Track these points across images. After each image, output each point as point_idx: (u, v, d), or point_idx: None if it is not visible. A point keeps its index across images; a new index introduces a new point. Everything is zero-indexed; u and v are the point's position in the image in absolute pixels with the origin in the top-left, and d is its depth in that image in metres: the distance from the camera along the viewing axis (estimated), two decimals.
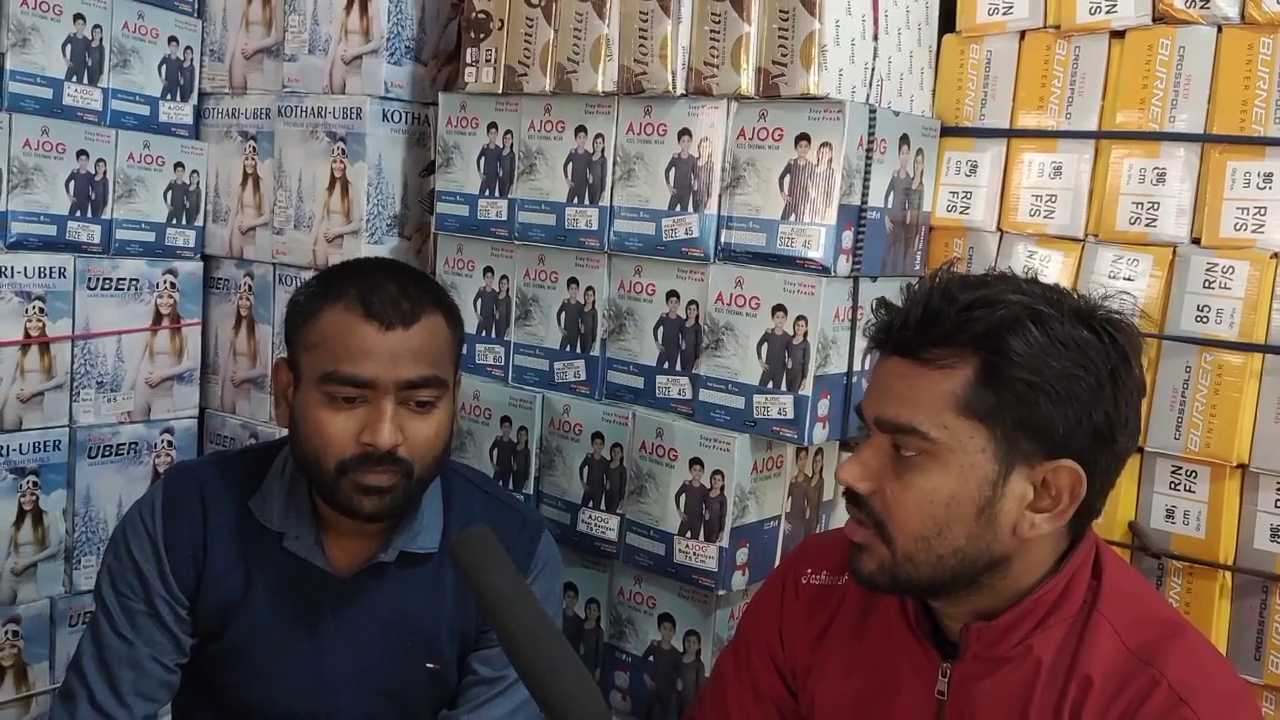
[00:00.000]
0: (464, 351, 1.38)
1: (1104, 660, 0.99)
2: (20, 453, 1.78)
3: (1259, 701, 1.38)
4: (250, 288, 1.98)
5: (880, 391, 1.02)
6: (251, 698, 1.32)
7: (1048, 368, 0.95)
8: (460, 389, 1.37)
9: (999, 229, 1.57)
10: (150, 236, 1.94)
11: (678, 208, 1.52)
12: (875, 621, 1.14)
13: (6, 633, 1.77)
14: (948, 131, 1.62)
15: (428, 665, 1.34)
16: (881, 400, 1.01)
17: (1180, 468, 1.41)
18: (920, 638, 1.09)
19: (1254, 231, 1.38)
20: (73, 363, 1.83)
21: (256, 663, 1.31)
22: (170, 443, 1.98)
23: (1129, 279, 1.44)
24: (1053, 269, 1.50)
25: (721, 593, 1.50)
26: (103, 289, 1.87)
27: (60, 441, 1.83)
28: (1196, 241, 1.43)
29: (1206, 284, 1.39)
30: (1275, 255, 1.37)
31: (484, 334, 1.76)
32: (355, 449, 1.23)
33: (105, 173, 1.86)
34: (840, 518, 1.66)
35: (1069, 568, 1.02)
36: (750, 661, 1.23)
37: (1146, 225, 1.45)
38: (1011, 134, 1.56)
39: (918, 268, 1.60)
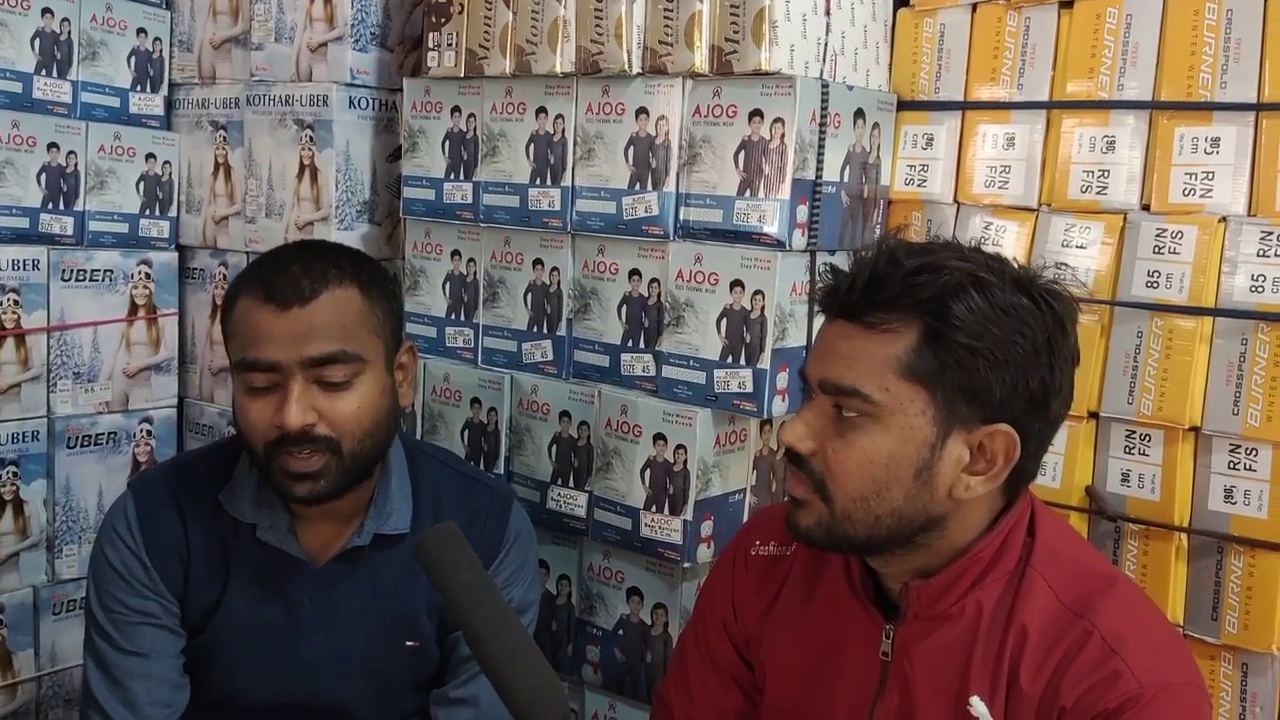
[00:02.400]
0: (400, 322, 1.36)
1: (1039, 614, 1.02)
2: None
3: (1215, 660, 1.40)
4: (225, 277, 2.00)
5: (824, 354, 1.04)
6: (233, 686, 1.35)
7: (988, 333, 0.98)
8: (406, 358, 1.35)
9: (956, 201, 1.59)
10: (124, 228, 1.96)
11: (637, 186, 1.54)
12: (821, 589, 1.16)
13: None
14: (904, 105, 1.63)
15: (407, 644, 1.36)
16: (825, 362, 1.03)
17: (1134, 432, 1.43)
18: (864, 600, 1.11)
19: (1202, 196, 1.39)
20: (49, 354, 1.85)
21: (237, 653, 1.33)
22: (150, 432, 2.00)
23: (1081, 247, 1.45)
24: (1008, 239, 1.51)
25: (687, 565, 1.52)
26: (77, 280, 1.88)
27: (39, 432, 1.85)
28: (1146, 208, 1.44)
29: (1156, 249, 1.40)
30: (1223, 219, 1.39)
31: (453, 317, 1.78)
32: (274, 433, 1.23)
33: (77, 165, 1.88)
34: None
35: (1003, 526, 1.05)
36: (707, 635, 1.25)
37: (1098, 193, 1.47)
38: (966, 106, 1.57)
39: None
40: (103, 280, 1.92)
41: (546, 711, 0.96)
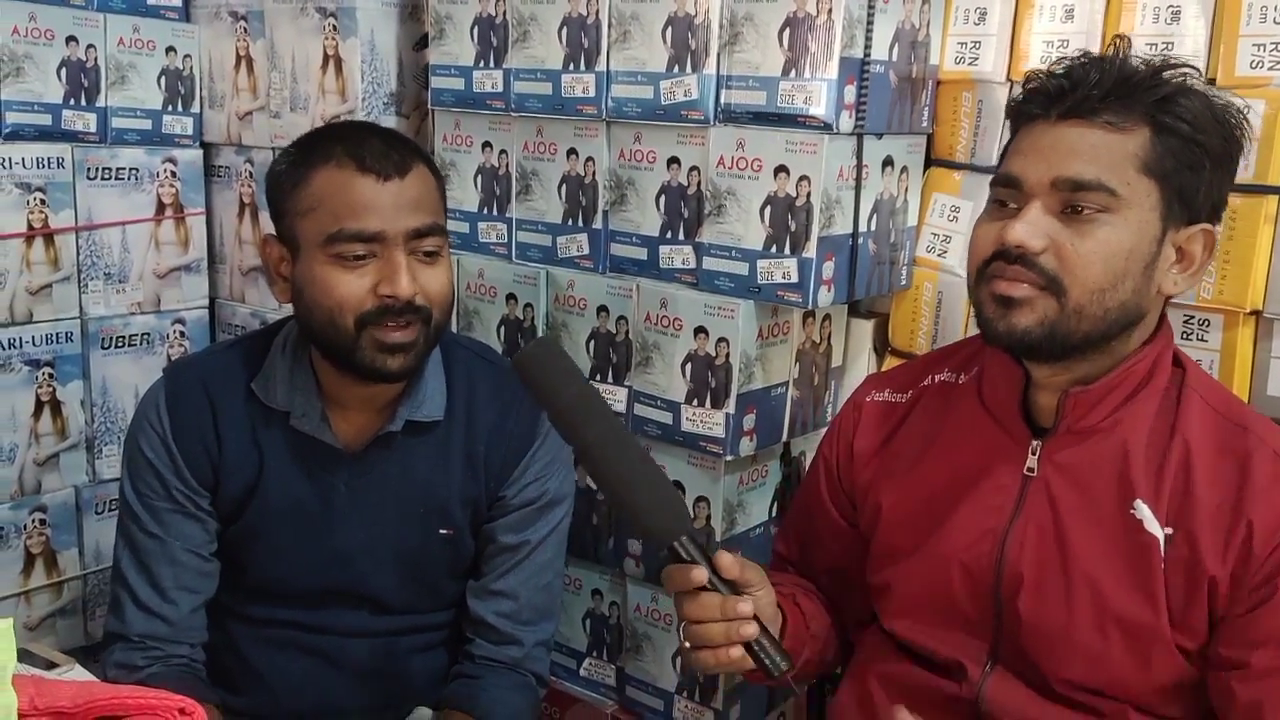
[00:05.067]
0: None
1: (1201, 426, 1.08)
2: (34, 345, 1.79)
3: None
4: (251, 174, 1.96)
5: (1054, 153, 1.05)
6: (271, 574, 1.35)
7: (1210, 134, 1.04)
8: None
9: (1009, 79, 1.51)
10: (147, 124, 1.92)
11: (675, 69, 1.48)
12: (949, 425, 1.20)
13: (34, 521, 1.82)
14: None
15: (441, 531, 1.36)
16: (1059, 160, 1.04)
17: (1192, 317, 1.38)
18: (1010, 418, 1.14)
19: (1271, 68, 1.32)
20: (78, 254, 1.83)
21: (274, 540, 1.34)
22: (182, 333, 1.99)
23: None
24: None
25: (729, 458, 1.50)
26: (103, 179, 1.85)
27: (72, 333, 1.84)
28: (1212, 82, 1.37)
29: None
30: None
31: (485, 211, 1.74)
32: (374, 302, 1.22)
33: (96, 59, 1.83)
34: (850, 384, 1.66)
35: (1158, 342, 1.10)
36: (818, 484, 1.31)
37: None
38: None
39: (924, 124, 1.56)
40: (128, 179, 1.89)
41: (670, 529, 0.99)
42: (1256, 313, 1.35)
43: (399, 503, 1.34)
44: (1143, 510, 1.06)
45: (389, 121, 1.82)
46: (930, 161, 1.59)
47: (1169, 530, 1.06)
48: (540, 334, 1.67)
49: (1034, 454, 1.12)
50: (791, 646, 1.17)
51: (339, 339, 1.24)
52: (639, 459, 1.02)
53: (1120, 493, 1.08)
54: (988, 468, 1.15)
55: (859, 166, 1.45)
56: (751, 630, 1.04)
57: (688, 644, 1.07)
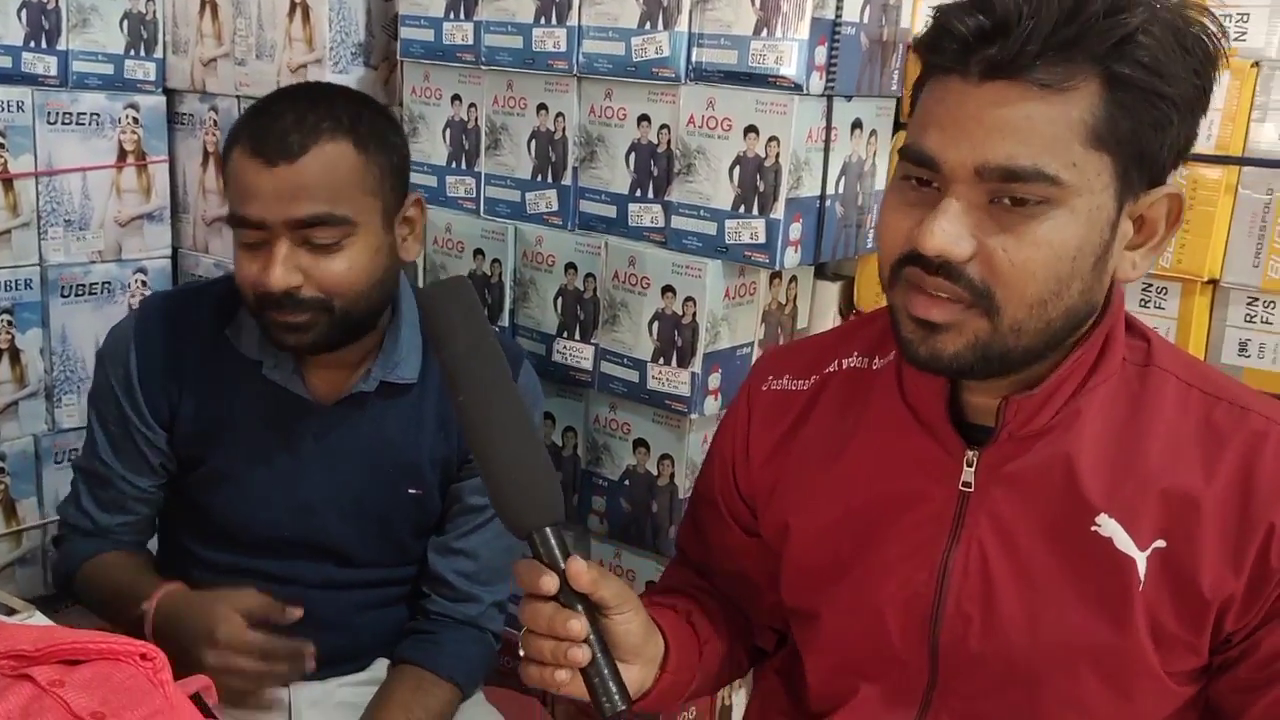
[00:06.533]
0: (403, 176, 1.29)
1: (1178, 410, 0.89)
2: None
3: None
4: (215, 122, 1.94)
5: (978, 128, 0.80)
6: (236, 521, 1.35)
7: (1180, 79, 0.80)
8: (414, 212, 1.30)
9: None
10: (109, 69, 1.88)
11: (647, 26, 1.47)
12: (864, 426, 0.99)
13: None
14: None
15: (410, 491, 1.37)
16: (988, 140, 0.79)
17: (1150, 285, 1.41)
18: (937, 429, 0.94)
19: (1235, 40, 1.34)
20: (38, 200, 1.80)
21: (240, 485, 1.34)
22: (144, 283, 1.97)
23: None
24: None
25: (694, 417, 1.51)
26: (63, 124, 1.82)
27: (31, 280, 1.81)
28: None
29: None
30: (1255, 64, 1.34)
31: (454, 165, 1.73)
32: (262, 289, 1.20)
33: (58, 1, 1.79)
34: None
35: (1106, 322, 0.89)
36: (713, 480, 1.15)
37: None
38: None
39: (894, 87, 1.56)
40: (89, 124, 1.85)
41: (529, 518, 0.85)
42: (1214, 281, 1.37)
43: (369, 460, 1.34)
44: (1109, 526, 0.88)
45: (356, 72, 1.80)
46: (899, 125, 1.60)
47: (1160, 543, 0.87)
48: (508, 291, 1.67)
49: (970, 466, 0.92)
50: (674, 680, 1.00)
51: (251, 311, 1.26)
52: (520, 433, 0.87)
53: (1078, 503, 0.89)
54: (916, 481, 0.95)
55: (828, 128, 1.46)
56: (579, 656, 0.85)
57: (521, 652, 0.89)
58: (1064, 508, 0.90)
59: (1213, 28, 0.82)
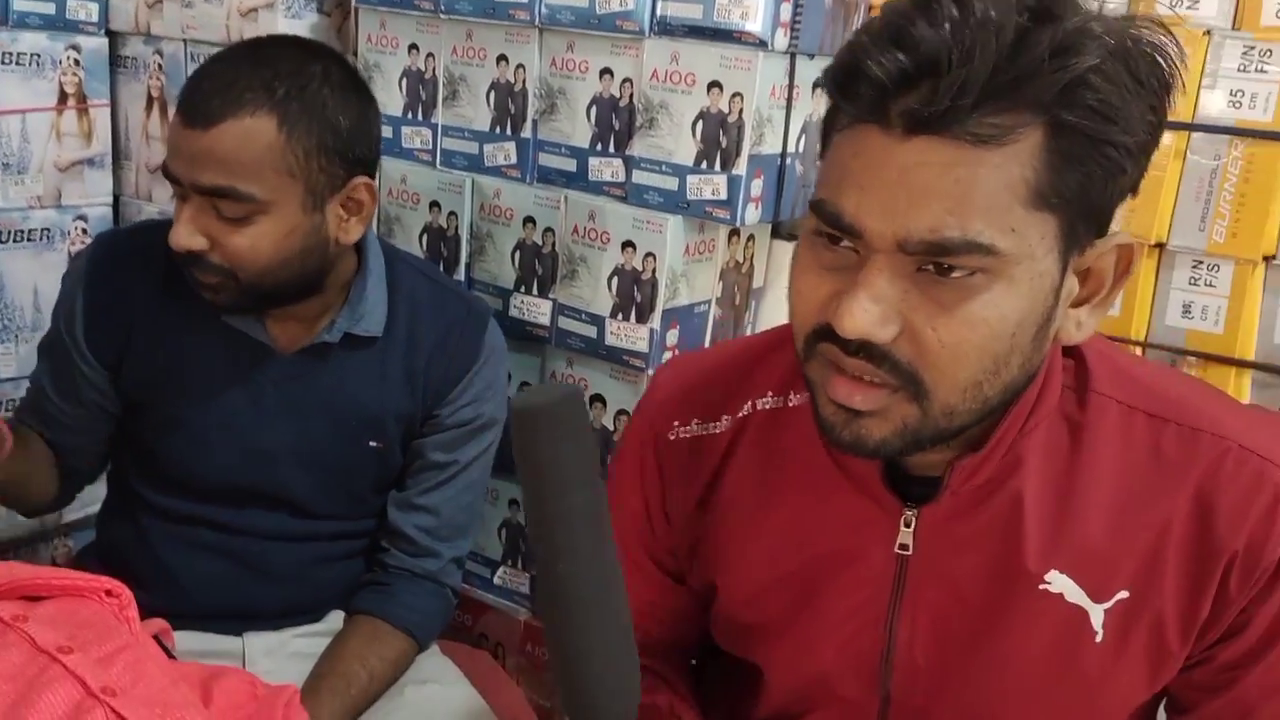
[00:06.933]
0: (348, 157, 1.21)
1: (1122, 442, 0.82)
2: None
3: None
4: (160, 66, 1.88)
5: (902, 192, 0.69)
6: (191, 468, 1.33)
7: (1133, 120, 0.70)
8: (363, 196, 1.24)
9: None
10: (50, 8, 1.82)
11: None
12: (791, 478, 0.91)
13: None
14: None
15: (371, 444, 1.35)
16: (914, 207, 0.69)
17: None
18: (871, 488, 0.86)
19: (1188, 8, 1.37)
20: None
21: (193, 430, 1.31)
22: (85, 230, 1.91)
23: None
24: None
25: (651, 372, 1.52)
26: (2, 64, 1.76)
27: None
28: None
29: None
30: (1207, 32, 1.37)
31: (410, 116, 1.71)
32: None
33: None
34: (771, 308, 1.68)
35: (1045, 360, 0.80)
36: (625, 542, 0.98)
37: None
38: None
39: None
40: (29, 65, 1.79)
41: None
42: (1160, 245, 1.41)
43: (330, 412, 1.33)
44: (1059, 581, 0.82)
45: (309, 19, 1.76)
46: None
47: (1123, 594, 0.82)
48: (464, 245, 1.65)
49: (908, 526, 0.85)
50: None
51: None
52: (622, 614, 0.62)
53: (1024, 560, 0.83)
54: (850, 541, 0.87)
55: (790, 86, 1.46)
56: None
57: None
58: (1010, 566, 0.84)
59: (1169, 47, 0.72)
